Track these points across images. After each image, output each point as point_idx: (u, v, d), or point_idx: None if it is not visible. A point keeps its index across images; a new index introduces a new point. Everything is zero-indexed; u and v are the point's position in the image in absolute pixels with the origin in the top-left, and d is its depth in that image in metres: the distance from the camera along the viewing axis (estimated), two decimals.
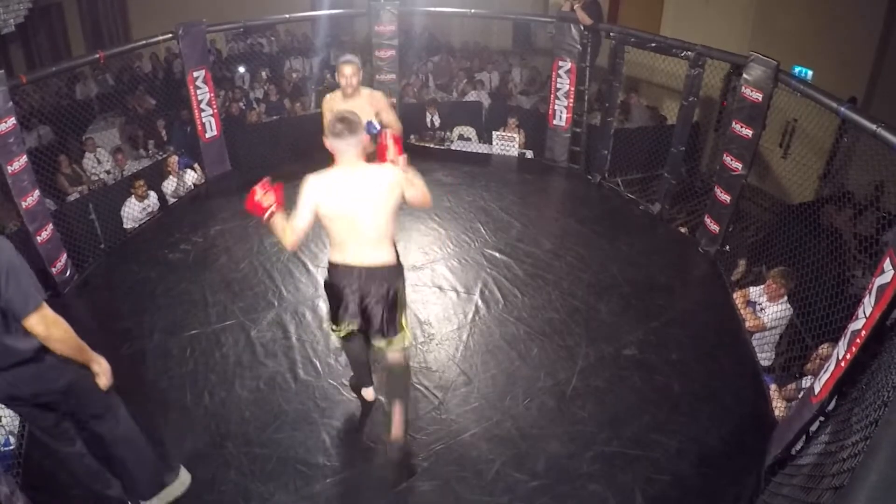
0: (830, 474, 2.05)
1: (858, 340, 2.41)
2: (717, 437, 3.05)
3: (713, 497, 2.77)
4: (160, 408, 3.16)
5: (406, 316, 2.67)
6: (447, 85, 8.60)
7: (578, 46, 5.55)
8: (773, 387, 3.41)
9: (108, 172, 6.34)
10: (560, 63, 5.71)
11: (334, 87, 3.93)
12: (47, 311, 1.94)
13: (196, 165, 5.73)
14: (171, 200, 5.42)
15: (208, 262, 4.40)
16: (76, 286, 4.20)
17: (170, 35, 5.15)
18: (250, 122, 6.99)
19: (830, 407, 2.59)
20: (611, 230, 4.90)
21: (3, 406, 3.28)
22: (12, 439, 3.08)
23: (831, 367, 2.58)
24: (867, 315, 2.40)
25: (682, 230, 5.10)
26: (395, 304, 2.55)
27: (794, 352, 3.76)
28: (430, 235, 4.71)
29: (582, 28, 5.47)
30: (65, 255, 4.18)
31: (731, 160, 4.29)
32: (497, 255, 4.47)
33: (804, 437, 2.69)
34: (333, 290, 2.56)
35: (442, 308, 3.91)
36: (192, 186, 5.61)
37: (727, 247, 4.55)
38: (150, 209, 5.24)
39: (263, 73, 8.52)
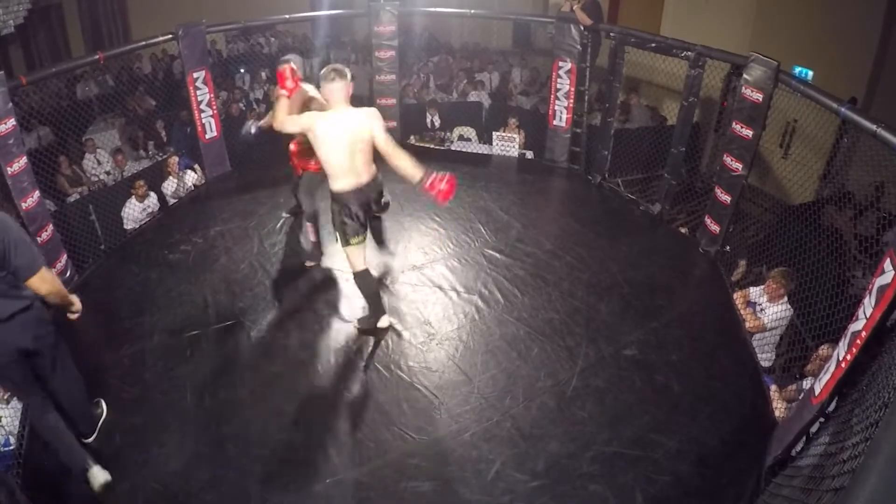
0: (831, 475, 2.05)
1: (859, 341, 2.41)
2: (717, 437, 3.05)
3: (713, 497, 2.77)
4: (160, 408, 3.16)
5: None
6: (447, 85, 8.60)
7: (578, 47, 5.55)
8: (773, 387, 3.41)
9: (108, 173, 6.35)
10: (560, 63, 5.72)
11: None
12: (45, 271, 2.47)
13: (196, 166, 5.73)
14: (172, 201, 5.42)
15: (208, 262, 4.40)
16: (76, 287, 4.19)
17: (170, 36, 5.15)
18: None
19: (831, 408, 2.59)
20: (611, 230, 4.90)
21: (2, 406, 3.30)
22: (12, 439, 3.09)
23: (832, 368, 2.58)
24: (867, 316, 2.40)
25: (683, 231, 5.10)
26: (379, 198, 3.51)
27: (794, 352, 3.76)
28: (430, 235, 4.71)
29: (582, 28, 5.48)
30: (65, 256, 4.18)
31: (732, 161, 4.29)
32: (497, 255, 4.47)
33: (804, 438, 2.69)
34: (346, 211, 3.27)
35: (442, 308, 3.91)
36: (192, 187, 5.61)
37: (727, 247, 4.55)
38: (150, 210, 5.25)
39: (263, 74, 8.52)
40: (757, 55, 4.03)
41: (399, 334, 3.66)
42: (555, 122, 5.98)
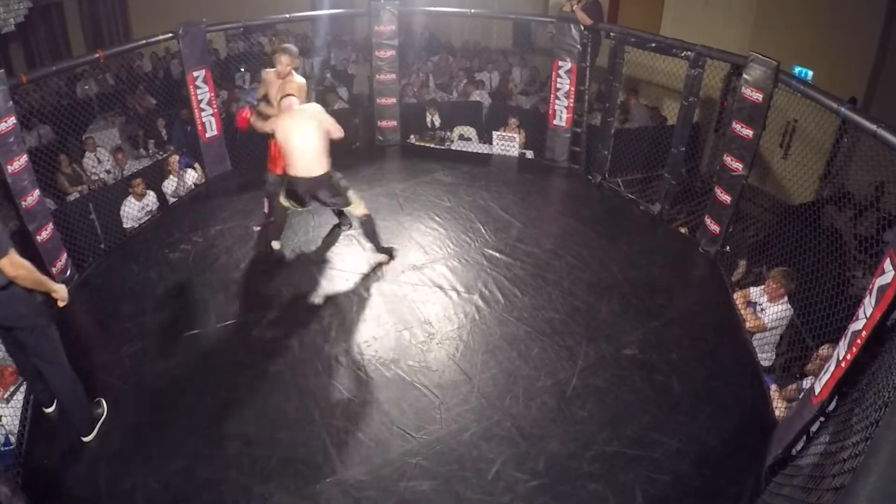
0: (831, 475, 2.05)
1: (859, 341, 2.41)
2: (717, 437, 3.05)
3: (713, 497, 2.77)
4: (160, 408, 3.16)
5: (350, 192, 4.02)
6: (447, 85, 8.60)
7: (578, 46, 5.55)
8: (773, 387, 3.41)
9: (108, 172, 6.34)
10: (560, 63, 5.71)
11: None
12: (14, 255, 2.51)
13: (196, 165, 5.73)
14: (172, 200, 5.42)
15: (208, 262, 4.40)
16: (76, 286, 4.20)
17: (170, 35, 5.15)
18: None
19: (831, 407, 2.60)
20: (611, 230, 4.90)
21: (2, 405, 3.29)
22: (12, 439, 3.08)
23: (832, 368, 2.58)
24: (868, 315, 2.40)
25: (683, 230, 5.10)
26: (336, 191, 3.98)
27: (794, 352, 3.76)
28: (430, 235, 4.71)
29: (582, 28, 5.47)
30: (65, 255, 4.18)
31: (732, 160, 4.29)
32: (497, 254, 4.47)
33: (805, 437, 2.69)
34: (293, 191, 3.95)
35: (442, 308, 3.91)
36: (193, 186, 5.61)
37: (727, 247, 4.55)
38: (148, 208, 5.25)
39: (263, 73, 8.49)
40: (757, 55, 4.03)
41: (399, 334, 3.66)
42: (555, 122, 5.98)
